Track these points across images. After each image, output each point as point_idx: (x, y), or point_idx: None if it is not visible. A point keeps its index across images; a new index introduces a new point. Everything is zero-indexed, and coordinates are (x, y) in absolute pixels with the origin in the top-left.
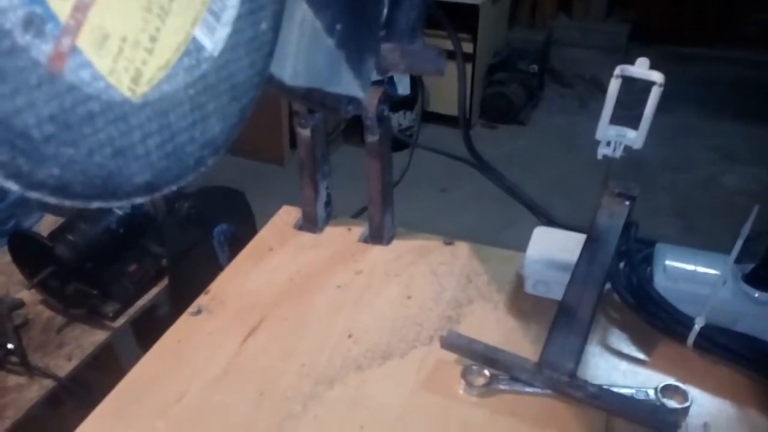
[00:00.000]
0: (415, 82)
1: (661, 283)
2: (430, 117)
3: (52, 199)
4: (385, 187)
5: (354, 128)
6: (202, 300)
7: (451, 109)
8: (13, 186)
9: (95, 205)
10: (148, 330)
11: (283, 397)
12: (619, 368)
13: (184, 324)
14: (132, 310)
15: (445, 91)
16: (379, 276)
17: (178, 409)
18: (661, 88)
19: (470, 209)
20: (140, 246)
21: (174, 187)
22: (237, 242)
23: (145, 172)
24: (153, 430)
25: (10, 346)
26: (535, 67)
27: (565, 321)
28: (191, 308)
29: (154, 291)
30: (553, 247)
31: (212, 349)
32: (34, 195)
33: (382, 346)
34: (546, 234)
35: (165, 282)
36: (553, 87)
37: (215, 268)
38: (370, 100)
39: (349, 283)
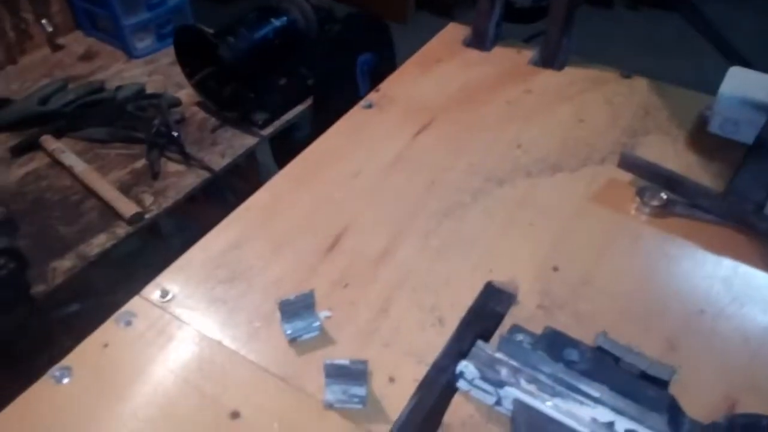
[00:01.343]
0: None
1: None
2: None
3: None
4: (572, 3)
5: None
6: (372, 96)
7: None
8: None
9: None
10: (286, 149)
11: (453, 188)
12: None
13: (357, 114)
14: (278, 123)
15: None
16: (549, 97)
17: (355, 183)
18: None
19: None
20: (291, 63)
21: None
22: (378, 74)
23: None
24: (330, 197)
25: (174, 134)
26: None
27: (760, 153)
28: (362, 102)
29: (299, 108)
30: (749, 87)
31: (385, 138)
32: None
33: (552, 159)
34: (741, 74)
35: (309, 102)
36: None
37: (355, 96)
38: None
39: (518, 100)
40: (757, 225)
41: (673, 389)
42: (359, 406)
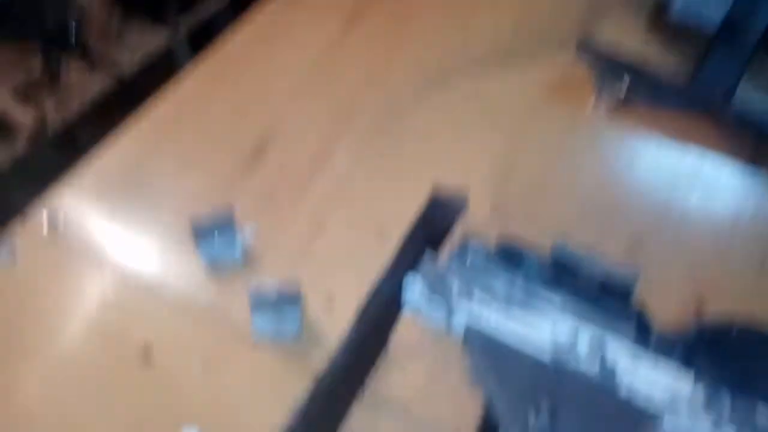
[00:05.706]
0: None
1: None
2: None
3: None
4: None
5: None
6: None
7: None
8: None
9: None
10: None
11: (391, 87)
12: None
13: (275, 4)
14: (193, 19)
15: None
16: None
17: (277, 83)
18: None
19: None
20: None
21: None
22: None
23: None
24: (248, 101)
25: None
26: None
27: (729, 36)
28: None
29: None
30: None
31: (310, 31)
32: None
33: (503, 48)
34: None
35: None
36: None
37: None
38: None
39: None
40: (726, 113)
41: (639, 289)
42: (292, 337)
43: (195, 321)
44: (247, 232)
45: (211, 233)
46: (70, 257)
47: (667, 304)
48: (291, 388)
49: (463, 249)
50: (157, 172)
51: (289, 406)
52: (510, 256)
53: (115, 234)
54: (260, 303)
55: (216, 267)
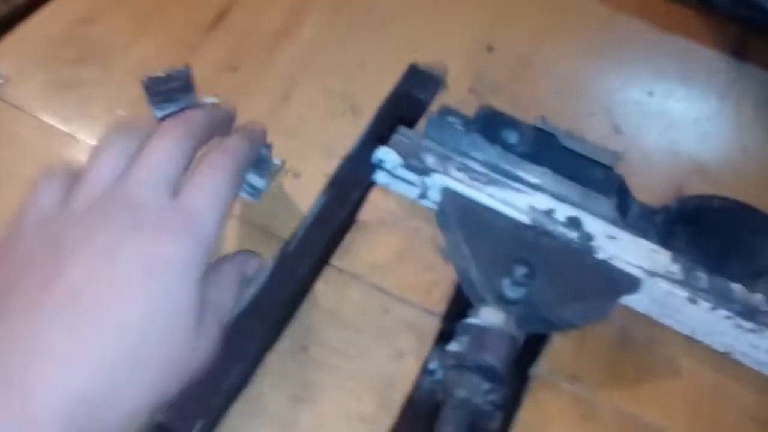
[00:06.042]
0: None
1: None
2: None
3: None
4: None
5: None
6: None
7: None
8: None
9: None
10: None
11: None
12: None
13: None
14: None
15: None
16: None
17: None
18: None
19: None
20: None
21: None
22: None
23: None
24: None
25: None
26: None
27: None
28: None
29: None
30: None
31: None
32: None
33: None
34: None
35: None
36: None
37: None
38: None
39: None
40: (711, 4)
41: (620, 172)
42: (254, 199)
43: None
44: (208, 100)
45: (167, 95)
46: (11, 120)
47: (648, 190)
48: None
49: (439, 121)
50: (111, 30)
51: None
52: (490, 128)
53: (61, 95)
54: None
55: None
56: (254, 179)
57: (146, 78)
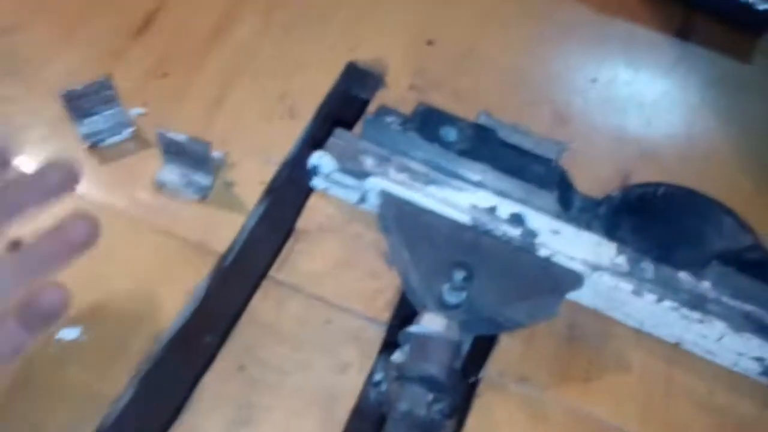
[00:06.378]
0: None
1: None
2: None
3: None
4: None
5: None
6: None
7: None
8: None
9: None
10: None
11: None
12: None
13: None
14: None
15: None
16: None
17: None
18: None
19: None
20: None
21: None
22: None
23: None
24: None
25: None
26: None
27: None
28: None
29: None
30: None
31: None
32: None
33: None
34: None
35: None
36: None
37: None
38: None
39: None
40: None
41: (564, 165)
42: (203, 197)
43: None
44: (135, 111)
45: (89, 109)
46: None
47: (592, 180)
48: (192, 272)
49: (376, 121)
50: (31, 43)
51: (189, 291)
52: (428, 126)
53: None
54: (171, 152)
55: (99, 148)
56: (200, 178)
57: (65, 91)
